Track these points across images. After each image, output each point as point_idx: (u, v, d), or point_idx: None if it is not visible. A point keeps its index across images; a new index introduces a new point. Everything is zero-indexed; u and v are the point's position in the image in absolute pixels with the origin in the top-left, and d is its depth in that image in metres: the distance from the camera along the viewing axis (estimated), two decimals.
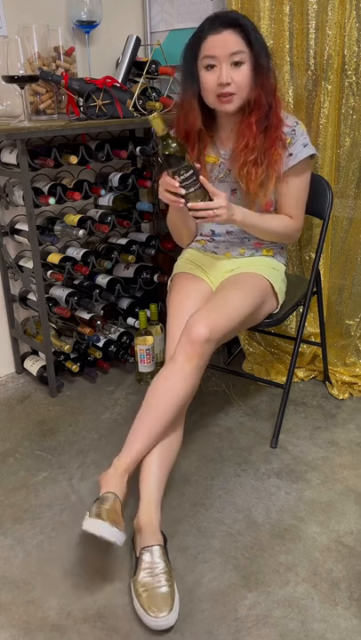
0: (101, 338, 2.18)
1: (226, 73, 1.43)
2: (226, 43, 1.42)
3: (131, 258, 2.14)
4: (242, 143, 1.51)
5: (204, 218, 1.43)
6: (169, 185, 1.40)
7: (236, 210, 1.49)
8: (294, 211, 1.61)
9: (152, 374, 2.14)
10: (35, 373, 2.15)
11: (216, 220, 1.44)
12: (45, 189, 1.95)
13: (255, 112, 1.49)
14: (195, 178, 1.40)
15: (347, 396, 2.03)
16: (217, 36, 1.43)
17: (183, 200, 1.42)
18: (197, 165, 1.42)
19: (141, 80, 2.06)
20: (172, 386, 1.41)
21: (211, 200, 1.42)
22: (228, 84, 1.44)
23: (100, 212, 2.08)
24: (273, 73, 1.51)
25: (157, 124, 1.36)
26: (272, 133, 1.51)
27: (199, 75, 1.48)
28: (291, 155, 1.54)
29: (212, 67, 1.45)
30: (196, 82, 1.49)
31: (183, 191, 1.40)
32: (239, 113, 1.52)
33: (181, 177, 1.39)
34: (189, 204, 1.42)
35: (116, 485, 1.32)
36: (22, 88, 1.79)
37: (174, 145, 1.38)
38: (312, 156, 1.58)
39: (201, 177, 1.40)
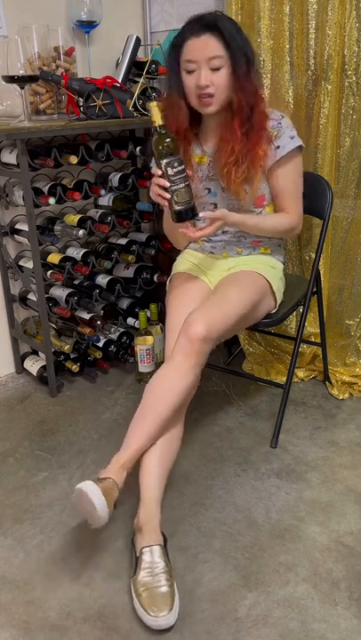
0: (101, 338, 2.18)
1: (205, 76, 1.44)
2: (204, 47, 1.42)
3: (131, 258, 2.14)
4: (224, 147, 1.52)
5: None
6: (157, 179, 1.42)
7: (233, 216, 1.51)
8: (290, 203, 1.61)
9: (152, 374, 2.12)
10: (35, 373, 2.15)
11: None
12: (45, 189, 1.95)
13: (237, 116, 1.49)
14: (185, 174, 1.41)
15: (347, 396, 2.03)
16: (196, 40, 1.43)
17: (168, 196, 1.42)
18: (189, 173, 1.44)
19: (141, 80, 2.06)
20: (169, 385, 1.42)
21: (192, 199, 1.44)
22: (208, 86, 1.45)
23: (100, 212, 2.08)
24: (256, 73, 1.50)
25: (156, 113, 1.37)
26: (255, 134, 1.50)
27: (182, 77, 1.49)
28: (278, 147, 1.54)
29: (192, 70, 1.46)
30: (181, 82, 1.50)
31: (168, 184, 1.40)
32: (222, 112, 1.52)
33: (174, 170, 1.39)
34: (185, 231, 1.47)
35: (114, 475, 1.32)
36: (22, 88, 1.79)
37: (170, 137, 1.38)
38: (300, 148, 1.58)
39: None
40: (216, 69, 1.44)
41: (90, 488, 1.23)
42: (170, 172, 1.39)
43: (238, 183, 1.53)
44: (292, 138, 1.55)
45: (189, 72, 1.47)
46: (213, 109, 1.50)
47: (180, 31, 1.47)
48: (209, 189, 1.63)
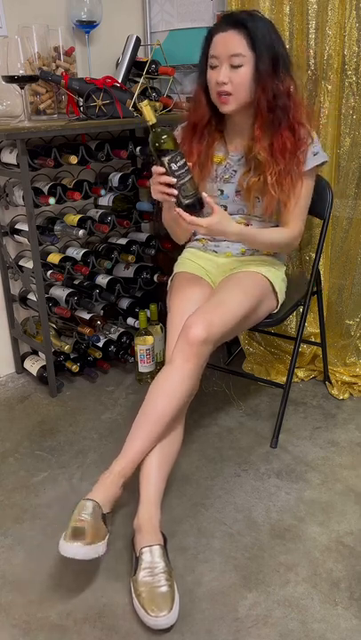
0: (101, 338, 2.18)
1: (224, 73, 1.45)
2: (228, 43, 1.43)
3: (131, 258, 2.15)
4: (249, 154, 1.52)
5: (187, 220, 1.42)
6: (160, 177, 1.39)
7: (233, 225, 1.48)
8: (293, 218, 1.58)
9: (152, 374, 2.14)
10: (35, 373, 2.15)
11: (201, 232, 1.46)
12: (45, 189, 1.95)
13: (258, 118, 1.48)
14: (187, 167, 1.39)
15: (347, 396, 2.03)
16: (222, 35, 1.44)
17: (175, 192, 1.39)
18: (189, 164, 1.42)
19: (141, 80, 2.06)
20: (170, 388, 1.41)
21: (198, 191, 1.41)
22: (225, 84, 1.45)
23: (100, 212, 2.08)
24: (287, 76, 1.47)
25: (148, 111, 1.35)
26: (290, 152, 1.49)
27: (207, 72, 1.50)
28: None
29: (215, 66, 1.46)
30: (205, 77, 1.51)
31: (175, 180, 1.38)
32: (244, 113, 1.52)
33: (178, 164, 1.37)
34: (180, 211, 1.40)
35: (103, 491, 1.32)
36: (22, 88, 1.79)
37: (167, 133, 1.37)
38: (322, 164, 1.57)
39: (204, 195, 1.42)
40: (236, 67, 1.44)
41: (72, 554, 1.21)
42: (174, 167, 1.37)
43: (254, 193, 1.54)
44: (315, 154, 1.54)
45: (212, 67, 1.47)
46: (231, 108, 1.49)
47: (213, 25, 1.49)
48: (222, 191, 1.62)
